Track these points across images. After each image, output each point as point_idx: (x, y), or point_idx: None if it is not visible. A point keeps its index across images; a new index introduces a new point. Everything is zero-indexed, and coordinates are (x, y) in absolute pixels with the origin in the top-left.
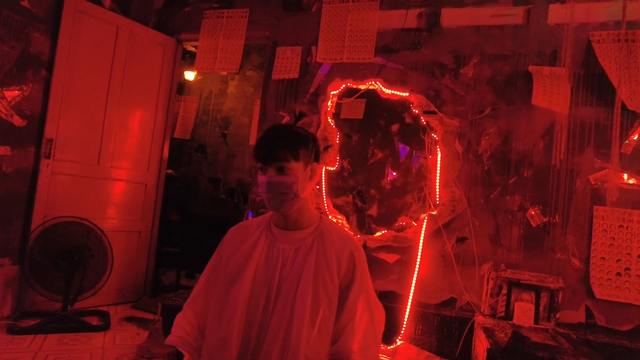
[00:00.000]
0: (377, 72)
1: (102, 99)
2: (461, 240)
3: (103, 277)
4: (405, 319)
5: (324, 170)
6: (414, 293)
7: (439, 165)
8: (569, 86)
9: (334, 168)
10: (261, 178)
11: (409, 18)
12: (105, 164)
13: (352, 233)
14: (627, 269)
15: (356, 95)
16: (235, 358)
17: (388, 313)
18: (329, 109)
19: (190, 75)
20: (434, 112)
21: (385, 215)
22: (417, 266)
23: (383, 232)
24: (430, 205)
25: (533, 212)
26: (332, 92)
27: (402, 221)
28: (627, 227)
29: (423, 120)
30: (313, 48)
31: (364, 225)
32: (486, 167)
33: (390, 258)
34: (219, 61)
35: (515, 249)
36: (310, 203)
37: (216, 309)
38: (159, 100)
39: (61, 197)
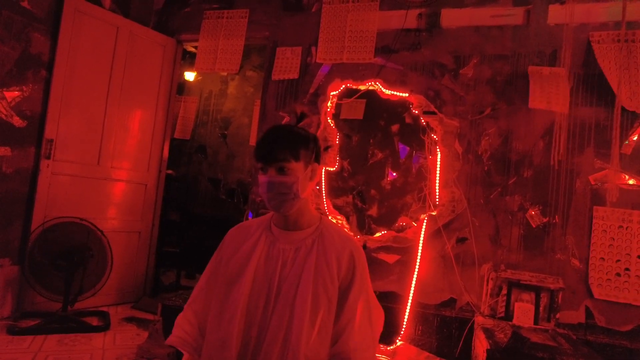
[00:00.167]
0: (377, 73)
1: (102, 99)
2: (461, 240)
3: (103, 277)
4: (405, 320)
5: (324, 170)
6: (413, 293)
7: (438, 166)
8: (569, 86)
9: (334, 168)
10: (262, 178)
11: (408, 18)
12: (105, 165)
13: (352, 234)
14: (627, 269)
15: (356, 95)
16: (235, 358)
17: (388, 313)
18: (328, 110)
19: (190, 76)
20: (433, 113)
21: (385, 215)
22: (417, 267)
23: (383, 232)
24: (430, 206)
25: (533, 213)
26: (332, 93)
27: (402, 221)
28: (626, 228)
29: (423, 120)
30: (313, 48)
31: (364, 225)
32: (486, 168)
33: (390, 258)
34: (219, 61)
35: (515, 249)
36: (311, 203)
37: (216, 310)
38: (159, 101)
39: (61, 197)
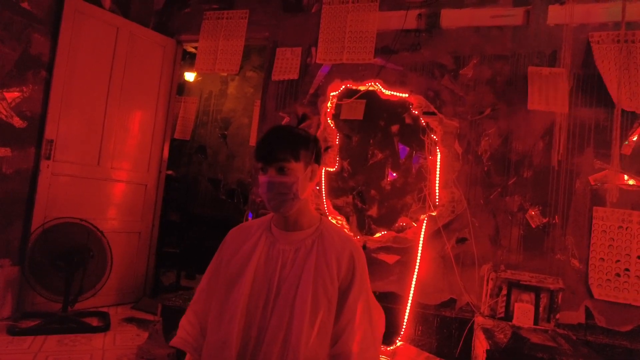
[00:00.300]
0: (376, 73)
1: (102, 99)
2: (461, 241)
3: (103, 277)
4: (405, 320)
5: (324, 171)
6: (413, 294)
7: (438, 166)
8: (569, 87)
9: (334, 169)
10: (262, 178)
11: (408, 19)
12: (105, 165)
13: (352, 234)
14: (627, 269)
15: (356, 96)
16: (234, 359)
17: (388, 314)
18: (328, 110)
19: (190, 76)
20: (433, 113)
21: (385, 216)
22: (417, 267)
23: (383, 233)
24: (430, 206)
25: (533, 213)
26: (331, 93)
27: (402, 222)
28: (626, 228)
29: (423, 121)
30: (313, 49)
31: (364, 226)
32: (486, 168)
33: (390, 259)
34: (219, 62)
35: (515, 249)
36: (311, 204)
37: (217, 310)
38: (159, 101)
39: (61, 198)
